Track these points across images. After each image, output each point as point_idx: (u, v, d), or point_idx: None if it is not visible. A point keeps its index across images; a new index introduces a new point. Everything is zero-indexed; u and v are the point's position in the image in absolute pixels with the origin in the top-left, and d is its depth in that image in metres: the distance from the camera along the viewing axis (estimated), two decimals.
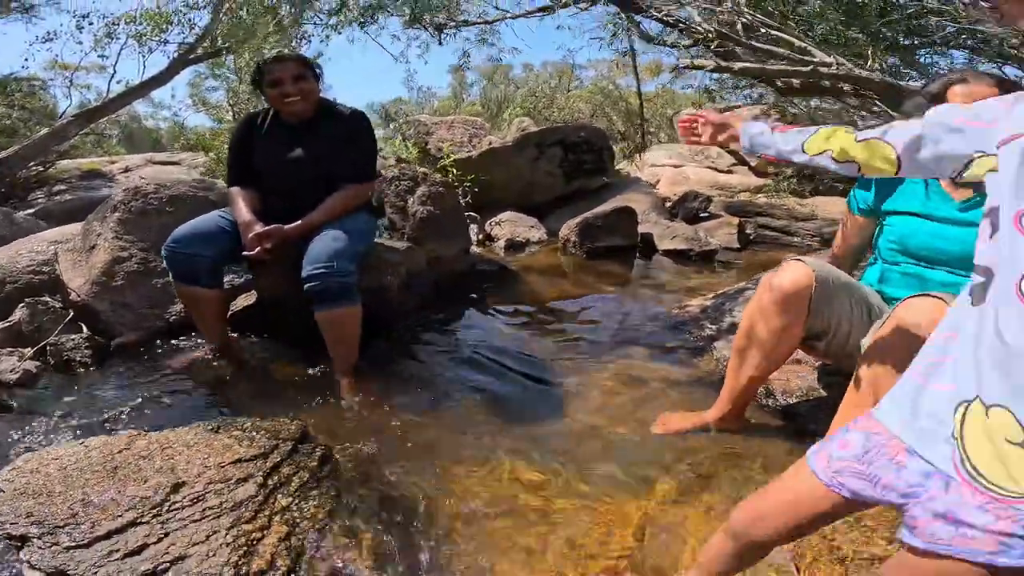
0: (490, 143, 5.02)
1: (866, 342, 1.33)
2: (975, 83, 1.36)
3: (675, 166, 7.37)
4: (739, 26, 2.73)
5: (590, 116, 13.94)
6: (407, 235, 2.87)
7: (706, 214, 4.68)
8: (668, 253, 3.91)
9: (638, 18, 3.38)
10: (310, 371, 2.00)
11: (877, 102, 2.54)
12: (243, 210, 1.99)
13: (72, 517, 0.92)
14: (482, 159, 4.64)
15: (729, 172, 6.93)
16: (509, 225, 4.16)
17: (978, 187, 1.44)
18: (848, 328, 1.48)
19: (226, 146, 2.84)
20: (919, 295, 1.26)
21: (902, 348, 1.22)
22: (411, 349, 2.25)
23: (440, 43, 5.02)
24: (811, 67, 2.27)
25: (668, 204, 4.87)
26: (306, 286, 1.82)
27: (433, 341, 2.34)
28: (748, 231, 4.31)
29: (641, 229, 4.12)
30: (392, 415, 1.75)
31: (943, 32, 2.33)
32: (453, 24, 4.93)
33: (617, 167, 8.10)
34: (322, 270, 1.81)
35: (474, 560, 1.19)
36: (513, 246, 3.97)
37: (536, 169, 4.84)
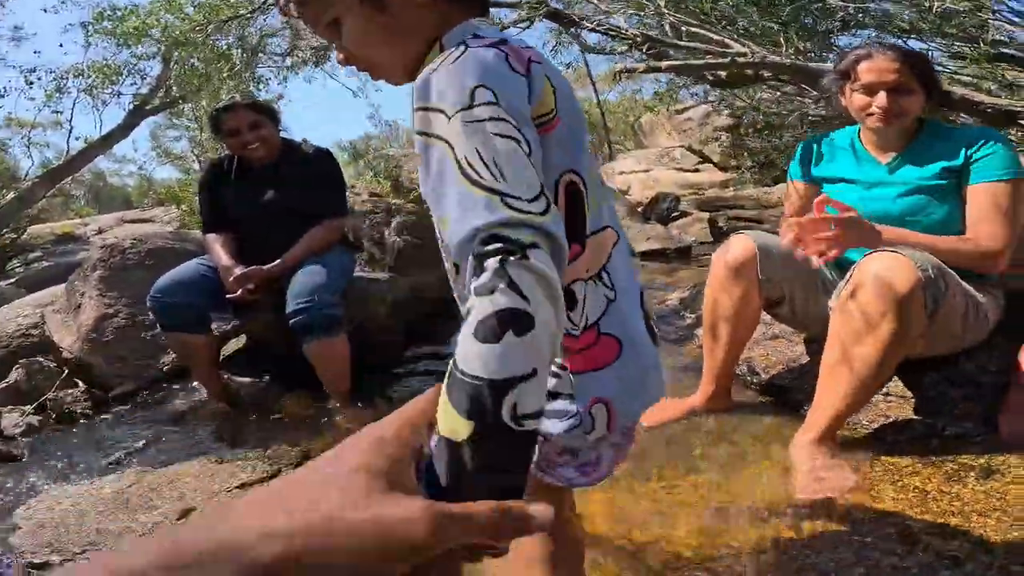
0: None
1: (832, 303, 1.39)
2: (879, 57, 1.47)
3: (644, 171, 7.55)
4: (667, 27, 2.89)
5: None
6: (388, 266, 2.93)
7: (678, 213, 4.81)
8: (646, 254, 4.01)
9: (577, 30, 3.53)
10: (305, 405, 2.03)
11: (803, 85, 2.69)
12: (222, 255, 2.03)
13: (90, 544, 0.95)
14: None
15: (696, 171, 7.13)
16: None
17: (900, 148, 1.56)
18: (803, 293, 1.56)
19: (196, 196, 2.89)
20: (876, 251, 1.33)
21: (868, 304, 1.29)
22: (402, 378, 2.30)
23: None
24: (729, 58, 2.41)
25: (641, 208, 5.00)
26: (291, 321, 1.86)
27: (424, 368, 2.39)
28: (720, 224, 4.43)
29: None
30: None
31: (844, 13, 2.49)
32: None
33: None
34: (305, 304, 1.86)
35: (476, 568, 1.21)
36: None
37: None
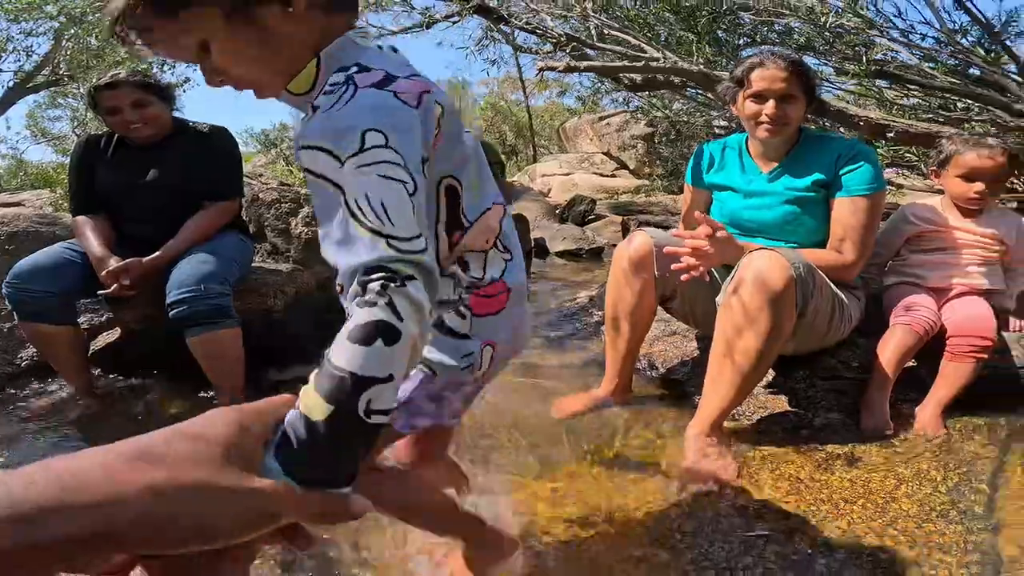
0: None
1: (720, 299, 1.47)
2: (770, 65, 1.56)
3: (565, 174, 7.70)
4: (591, 30, 2.96)
5: (483, 132, 14.23)
6: (292, 258, 2.78)
7: (593, 216, 4.93)
8: (561, 254, 4.09)
9: (507, 28, 3.55)
10: (188, 403, 1.87)
11: (709, 95, 2.84)
12: (93, 242, 1.84)
13: None
14: None
15: (613, 176, 7.37)
16: None
17: (780, 158, 1.67)
18: (694, 291, 1.63)
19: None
20: (756, 250, 1.41)
21: (748, 299, 1.37)
22: (305, 374, 2.17)
23: None
24: (643, 63, 2.51)
25: (558, 210, 5.08)
26: (171, 312, 1.71)
27: None
28: (631, 228, 4.59)
29: (535, 235, 4.27)
30: None
31: (750, 26, 2.66)
32: None
33: (511, 179, 8.33)
34: (188, 294, 1.71)
35: (392, 553, 1.18)
36: None
37: None
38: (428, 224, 0.71)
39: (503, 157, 5.96)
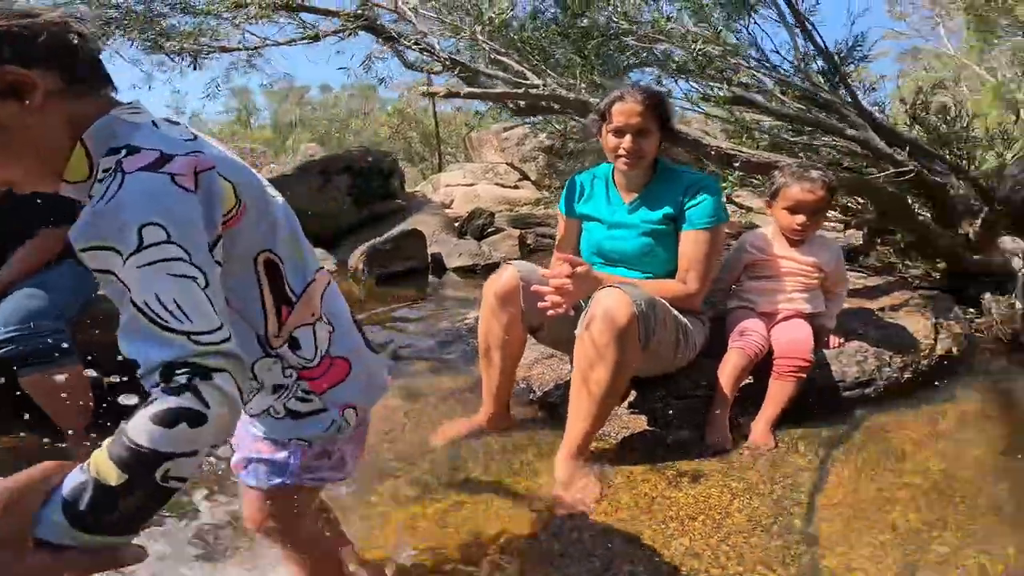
0: (271, 171, 4.76)
1: (578, 332, 1.54)
2: (629, 99, 1.64)
3: (468, 185, 7.72)
4: (479, 54, 3.01)
5: (388, 139, 13.96)
6: None
7: (492, 229, 4.98)
8: (457, 270, 4.09)
9: (397, 46, 3.51)
10: (27, 444, 1.71)
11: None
12: None
13: None
14: None
15: (516, 187, 7.49)
16: None
17: (639, 189, 1.78)
18: (559, 322, 1.69)
19: None
20: (605, 288, 1.51)
21: (598, 334, 1.45)
22: None
23: (195, 68, 4.67)
24: (523, 89, 2.58)
25: (457, 223, 5.09)
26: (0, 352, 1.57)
27: None
28: (529, 242, 4.68)
29: (432, 249, 4.23)
30: None
31: (632, 52, 2.79)
32: (210, 49, 4.62)
33: (416, 188, 8.24)
34: (15, 333, 1.57)
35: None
36: None
37: (323, 198, 4.70)
38: (251, 302, 0.76)
39: (401, 166, 5.88)
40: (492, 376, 1.75)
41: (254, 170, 0.77)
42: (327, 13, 3.88)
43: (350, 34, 3.71)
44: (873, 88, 2.91)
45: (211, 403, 0.54)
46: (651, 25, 2.85)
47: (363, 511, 1.44)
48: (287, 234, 0.80)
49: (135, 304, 0.56)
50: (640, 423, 1.76)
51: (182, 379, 0.54)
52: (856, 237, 3.44)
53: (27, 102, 0.61)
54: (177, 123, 0.71)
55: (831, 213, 3.27)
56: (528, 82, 2.72)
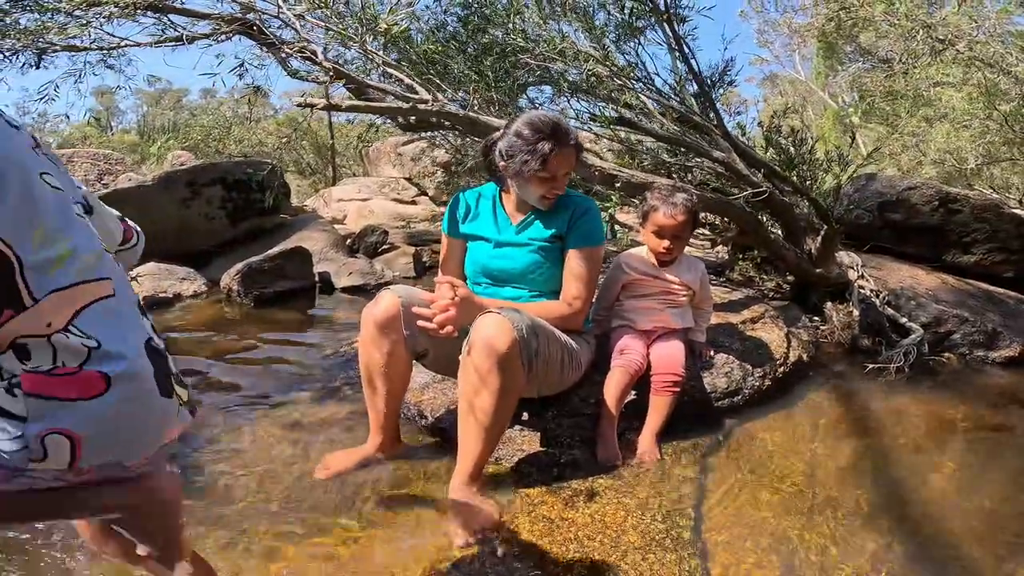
0: (129, 181, 4.26)
1: (461, 357, 1.49)
2: (521, 123, 1.62)
3: (363, 200, 7.45)
4: (369, 63, 2.89)
5: (276, 149, 13.13)
6: None
7: (387, 246, 4.81)
8: (347, 290, 3.89)
9: (280, 52, 3.30)
10: None
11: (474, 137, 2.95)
12: None
13: None
14: (113, 202, 3.87)
15: (413, 203, 7.34)
16: (149, 280, 3.56)
17: (529, 210, 1.77)
18: (443, 347, 1.64)
19: None
20: (486, 314, 1.47)
21: (479, 361, 1.42)
22: None
23: (38, 67, 4.13)
24: (411, 104, 2.51)
25: (348, 241, 4.86)
26: None
27: None
28: (425, 259, 4.56)
29: (320, 268, 4.01)
30: None
31: (528, 69, 2.83)
32: (58, 48, 4.09)
33: (306, 202, 7.81)
34: None
35: None
36: (156, 304, 3.41)
37: (190, 212, 4.28)
38: None
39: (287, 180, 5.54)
40: (377, 405, 1.65)
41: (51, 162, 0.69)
42: (198, 15, 3.58)
43: (226, 38, 3.44)
44: (738, 112, 3.16)
45: None
46: (546, 43, 2.89)
47: (244, 551, 1.31)
48: (53, 228, 0.72)
49: None
50: (533, 443, 1.72)
51: None
52: (723, 253, 3.71)
53: None
54: None
55: (700, 231, 3.52)
56: (417, 96, 2.65)
